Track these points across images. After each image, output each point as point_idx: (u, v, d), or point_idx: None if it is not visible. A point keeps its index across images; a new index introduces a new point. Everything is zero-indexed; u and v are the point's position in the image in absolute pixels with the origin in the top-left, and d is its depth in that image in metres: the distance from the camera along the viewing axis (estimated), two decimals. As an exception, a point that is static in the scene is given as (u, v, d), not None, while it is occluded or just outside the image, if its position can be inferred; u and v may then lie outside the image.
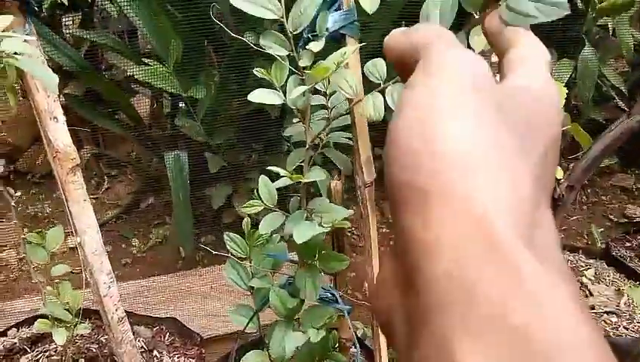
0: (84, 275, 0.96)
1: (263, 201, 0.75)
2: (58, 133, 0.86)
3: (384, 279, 0.20)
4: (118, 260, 2.67)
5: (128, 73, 2.22)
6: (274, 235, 0.95)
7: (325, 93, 0.73)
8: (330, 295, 0.82)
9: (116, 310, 1.00)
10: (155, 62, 1.97)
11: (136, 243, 2.71)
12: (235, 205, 2.56)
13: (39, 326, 0.95)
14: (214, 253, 1.01)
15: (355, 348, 0.83)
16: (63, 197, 0.91)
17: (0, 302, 2.25)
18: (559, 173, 1.25)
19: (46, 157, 3.19)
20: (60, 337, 0.96)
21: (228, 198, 2.55)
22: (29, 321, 1.22)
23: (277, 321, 0.94)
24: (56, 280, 1.04)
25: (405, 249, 0.17)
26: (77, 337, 1.14)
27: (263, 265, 0.92)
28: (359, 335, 0.90)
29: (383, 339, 0.89)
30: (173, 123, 2.54)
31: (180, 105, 2.39)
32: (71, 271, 1.08)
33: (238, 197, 2.57)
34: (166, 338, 1.24)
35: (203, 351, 1.18)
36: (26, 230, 2.96)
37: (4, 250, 2.87)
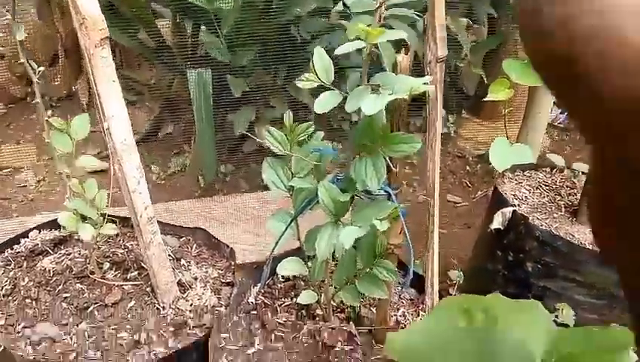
0: (111, 168, 0.88)
1: (317, 76, 0.65)
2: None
3: None
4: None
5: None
6: (317, 132, 0.86)
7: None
8: (384, 192, 0.73)
9: (145, 208, 0.93)
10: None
11: (156, 170, 2.65)
12: (257, 133, 2.47)
13: (64, 220, 0.89)
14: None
15: (408, 246, 0.75)
16: (91, 76, 0.82)
17: (20, 217, 2.23)
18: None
19: (63, 80, 3.07)
20: (86, 233, 0.90)
21: (250, 125, 2.45)
22: (50, 225, 1.16)
23: (317, 227, 0.87)
24: (81, 178, 0.97)
25: None
26: (102, 241, 1.08)
27: (305, 163, 0.83)
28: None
29: (435, 248, 0.82)
30: (195, 44, 2.42)
31: (202, 27, 2.26)
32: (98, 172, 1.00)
33: (261, 124, 2.48)
34: (193, 250, 1.18)
35: (232, 263, 1.12)
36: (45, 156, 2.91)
37: (23, 171, 2.83)
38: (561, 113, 3.16)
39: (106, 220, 0.95)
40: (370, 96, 0.59)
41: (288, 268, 0.88)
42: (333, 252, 0.93)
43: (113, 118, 0.85)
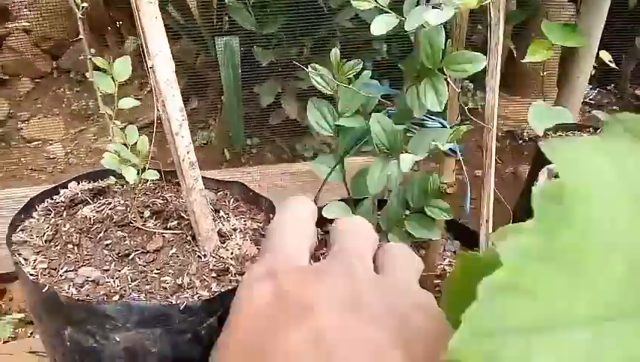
0: (155, 108, 0.87)
1: (375, -2, 0.63)
2: None
3: None
4: (163, 159, 2.65)
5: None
6: (365, 71, 0.84)
7: None
8: (439, 124, 0.71)
9: (188, 153, 0.92)
10: None
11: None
12: (283, 105, 2.46)
13: (107, 161, 0.88)
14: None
15: (466, 191, 0.73)
16: (135, 14, 0.80)
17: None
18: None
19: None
20: (130, 174, 0.89)
21: (276, 98, 2.44)
22: (89, 176, 1.16)
23: (364, 169, 0.85)
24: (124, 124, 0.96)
25: None
26: (141, 191, 1.07)
27: (353, 101, 0.81)
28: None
29: (489, 197, 0.79)
30: (220, 16, 2.40)
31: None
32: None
33: (287, 97, 2.46)
34: (231, 203, 1.17)
35: (272, 215, 1.11)
36: (71, 128, 2.93)
37: (52, 144, 2.85)
38: (592, 89, 3.08)
39: (148, 165, 0.95)
40: (433, 10, 0.56)
41: (335, 211, 0.86)
42: (379, 202, 0.92)
43: (157, 55, 0.83)
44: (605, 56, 1.51)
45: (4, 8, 3.11)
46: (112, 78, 0.87)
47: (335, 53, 0.82)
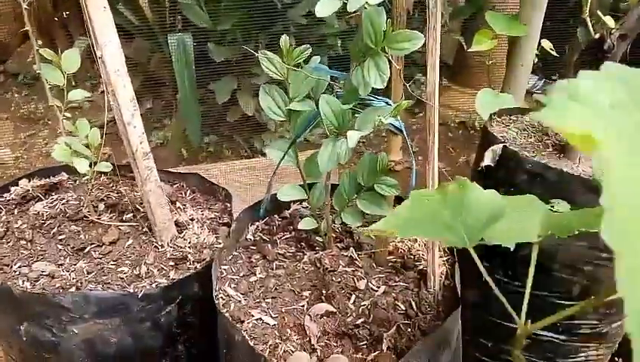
0: (106, 99, 0.87)
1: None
2: None
3: None
4: (118, 161, 2.60)
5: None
6: (314, 57, 0.86)
7: None
8: (384, 103, 0.74)
9: (140, 143, 0.93)
10: None
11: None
12: (239, 102, 2.46)
13: (58, 154, 0.87)
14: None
15: (411, 165, 0.77)
16: (83, 4, 0.80)
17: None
18: (611, 22, 1.16)
19: (34, 57, 2.96)
20: (81, 166, 0.89)
21: (232, 95, 2.44)
22: (40, 173, 1.14)
23: (315, 152, 0.87)
24: (74, 116, 0.95)
25: None
26: (95, 186, 1.07)
27: (303, 87, 0.83)
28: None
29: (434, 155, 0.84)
30: (173, 15, 2.38)
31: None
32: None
33: (243, 93, 2.46)
34: (187, 195, 1.17)
35: (228, 205, 1.12)
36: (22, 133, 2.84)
37: (1, 148, 2.76)
38: (538, 80, 3.22)
39: (99, 156, 0.94)
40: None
41: (289, 193, 0.88)
42: (331, 189, 0.94)
43: (107, 45, 0.84)
44: (546, 44, 1.59)
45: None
46: (61, 70, 0.86)
47: (284, 39, 0.84)
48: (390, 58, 0.69)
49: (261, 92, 0.87)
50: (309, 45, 0.83)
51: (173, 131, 2.67)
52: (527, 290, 0.49)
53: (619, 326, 1.24)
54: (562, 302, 1.19)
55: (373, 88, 0.73)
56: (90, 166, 0.94)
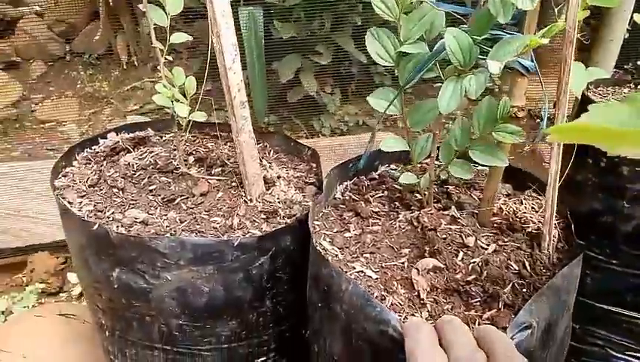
0: (210, 42, 0.85)
1: None
2: None
3: None
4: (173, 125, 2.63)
5: None
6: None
7: None
8: (510, 35, 0.69)
9: (239, 90, 0.90)
10: None
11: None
12: (302, 81, 2.44)
13: (159, 99, 0.86)
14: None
15: (543, 106, 0.71)
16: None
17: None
18: None
19: (102, 37, 3.05)
20: (182, 109, 0.87)
21: (295, 75, 2.42)
22: (127, 127, 1.14)
23: (422, 102, 0.83)
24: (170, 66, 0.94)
25: None
26: (183, 138, 1.05)
27: (417, 28, 0.79)
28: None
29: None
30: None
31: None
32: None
33: (305, 73, 2.44)
34: (271, 154, 1.15)
35: (314, 165, 1.09)
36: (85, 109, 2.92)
37: (66, 124, 2.84)
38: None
39: (197, 105, 0.93)
40: None
41: (393, 144, 0.84)
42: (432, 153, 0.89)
43: (213, -15, 0.82)
44: (639, 18, 1.49)
45: (16, -8, 3.10)
46: (165, 11, 0.85)
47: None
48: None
49: (369, 36, 0.83)
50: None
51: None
52: None
53: None
54: (665, 284, 1.11)
55: (500, 24, 0.68)
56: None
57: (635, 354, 1.19)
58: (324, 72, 2.55)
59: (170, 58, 0.88)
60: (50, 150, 2.65)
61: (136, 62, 3.02)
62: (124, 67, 3.05)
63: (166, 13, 0.85)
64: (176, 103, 0.86)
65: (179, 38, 0.86)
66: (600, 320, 1.20)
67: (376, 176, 1.04)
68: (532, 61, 0.71)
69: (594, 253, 1.15)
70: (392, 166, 1.07)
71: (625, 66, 3.05)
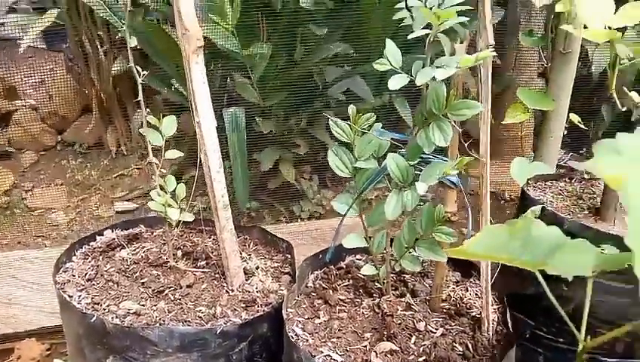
0: (198, 156, 1.02)
1: (390, 62, 0.81)
2: (187, 11, 0.93)
3: None
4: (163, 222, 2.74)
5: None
6: (376, 123, 1.00)
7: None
8: (443, 160, 0.86)
9: (222, 196, 1.06)
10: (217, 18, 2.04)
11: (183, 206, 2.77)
12: (281, 170, 2.62)
13: (154, 205, 1.01)
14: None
15: (468, 214, 0.88)
16: (187, 76, 0.97)
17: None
18: (637, 98, 1.29)
19: (92, 129, 3.24)
20: (174, 213, 1.02)
21: (275, 164, 2.60)
22: (121, 226, 1.27)
23: (379, 204, 0.99)
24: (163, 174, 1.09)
25: None
26: (172, 234, 1.19)
27: (368, 147, 0.97)
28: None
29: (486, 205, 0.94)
30: (222, 91, 2.60)
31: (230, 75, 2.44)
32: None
33: (284, 163, 2.63)
34: (251, 246, 1.28)
35: (289, 256, 1.23)
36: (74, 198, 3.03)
37: (54, 212, 2.94)
38: (565, 154, 3.34)
39: (186, 207, 1.07)
40: (439, 69, 0.74)
41: (354, 240, 0.99)
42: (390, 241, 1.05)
43: (203, 112, 0.99)
44: (575, 118, 1.73)
45: (13, 88, 3.31)
46: (161, 133, 1.02)
47: (352, 108, 0.99)
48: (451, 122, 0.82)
49: (330, 153, 1.00)
50: (373, 114, 0.97)
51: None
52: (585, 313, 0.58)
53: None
54: (605, 359, 1.23)
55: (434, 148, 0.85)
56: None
57: None
58: (302, 161, 2.75)
59: (164, 171, 1.04)
60: (39, 237, 2.74)
61: (124, 151, 3.19)
62: (113, 156, 3.21)
63: (162, 134, 1.02)
64: (169, 209, 1.01)
65: (173, 154, 1.03)
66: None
67: (344, 266, 1.18)
68: (459, 177, 0.88)
69: (542, 332, 1.28)
70: (358, 256, 1.22)
71: (580, 151, 3.31)
